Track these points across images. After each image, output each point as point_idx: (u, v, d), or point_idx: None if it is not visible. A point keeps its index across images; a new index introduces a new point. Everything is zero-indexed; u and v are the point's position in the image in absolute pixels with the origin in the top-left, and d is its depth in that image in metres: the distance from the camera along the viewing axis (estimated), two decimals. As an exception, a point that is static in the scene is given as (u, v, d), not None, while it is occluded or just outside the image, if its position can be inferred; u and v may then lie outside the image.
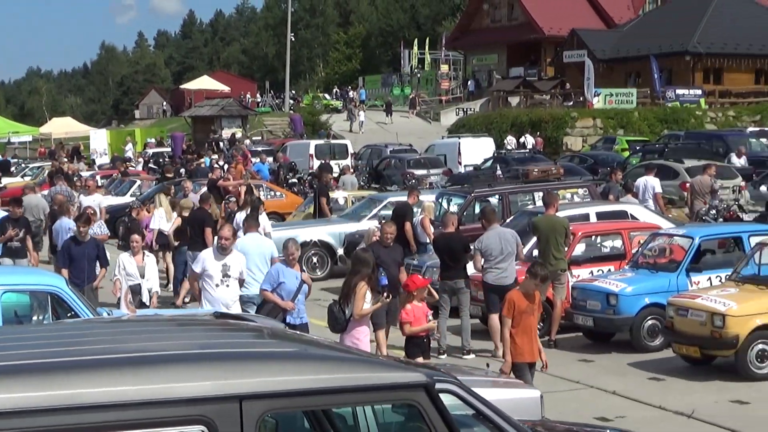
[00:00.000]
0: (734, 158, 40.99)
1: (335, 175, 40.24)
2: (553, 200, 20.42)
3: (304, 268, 17.10)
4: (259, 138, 72.02)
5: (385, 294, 14.99)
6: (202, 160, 48.37)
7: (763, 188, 34.80)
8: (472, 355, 18.70)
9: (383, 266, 17.34)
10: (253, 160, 45.85)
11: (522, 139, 58.31)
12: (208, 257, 16.70)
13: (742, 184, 36.53)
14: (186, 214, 24.38)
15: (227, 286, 16.50)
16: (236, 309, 16.21)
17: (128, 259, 18.85)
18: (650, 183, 29.72)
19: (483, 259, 18.79)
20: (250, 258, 17.85)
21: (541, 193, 25.71)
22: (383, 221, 18.88)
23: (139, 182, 41.26)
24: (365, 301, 14.62)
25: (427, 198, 26.99)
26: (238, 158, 43.62)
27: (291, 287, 16.05)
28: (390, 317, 17.15)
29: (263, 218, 24.27)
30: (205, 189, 30.38)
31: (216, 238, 17.98)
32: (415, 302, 14.96)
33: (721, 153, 45.17)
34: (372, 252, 17.17)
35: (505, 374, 13.47)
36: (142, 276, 18.62)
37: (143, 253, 19.12)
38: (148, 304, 18.28)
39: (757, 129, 57.03)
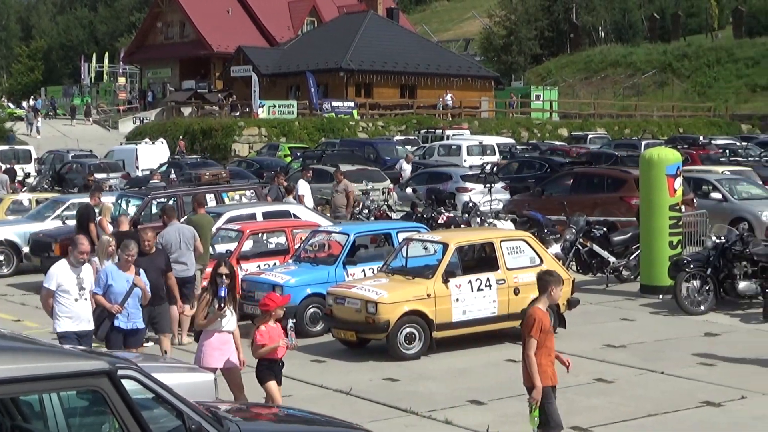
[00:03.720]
0: (404, 163, 41.87)
1: (19, 178, 39.40)
2: (205, 201, 20.56)
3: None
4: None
5: (218, 305, 12.92)
6: None
7: (408, 190, 35.73)
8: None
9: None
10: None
11: (156, 142, 56.85)
12: (62, 271, 13.76)
13: (391, 186, 37.47)
14: None
15: (85, 299, 13.86)
16: (92, 325, 14.09)
17: None
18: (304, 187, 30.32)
19: (165, 253, 18.63)
20: None
21: (212, 195, 25.85)
22: (147, 231, 17.64)
23: None
24: (206, 312, 13.07)
25: (108, 200, 26.52)
26: None
27: (119, 290, 14.38)
28: (159, 325, 16.21)
29: None
30: None
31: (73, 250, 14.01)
32: (270, 323, 12.78)
33: (372, 159, 46.18)
34: None
35: (536, 401, 11.25)
36: None
37: None
38: None
39: (403, 137, 58.67)
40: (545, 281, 11.58)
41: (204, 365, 12.82)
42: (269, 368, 12.74)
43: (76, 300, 13.69)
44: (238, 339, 13.28)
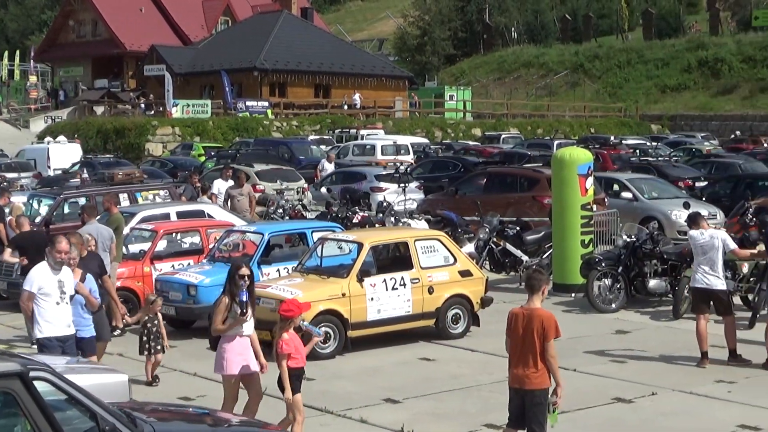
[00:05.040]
0: (325, 163, 41.78)
1: None
2: (116, 201, 20.65)
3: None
4: None
5: (240, 310, 12.29)
6: None
7: (323, 190, 35.72)
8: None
9: None
10: None
11: (57, 139, 55.55)
12: (42, 274, 12.95)
13: (305, 186, 37.41)
14: None
15: (66, 303, 13.02)
16: (73, 329, 13.27)
17: None
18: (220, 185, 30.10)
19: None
20: None
21: (126, 194, 25.70)
22: (72, 236, 16.91)
23: None
24: (225, 316, 12.45)
25: (19, 199, 26.21)
26: None
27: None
28: (103, 332, 15.23)
29: None
30: None
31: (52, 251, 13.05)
32: (290, 330, 12.26)
33: (286, 158, 46.06)
34: None
35: (560, 401, 11.00)
36: None
37: None
38: None
39: (317, 137, 58.62)
40: (538, 280, 11.23)
41: (227, 373, 12.45)
42: (297, 378, 12.24)
43: (57, 303, 12.92)
44: (257, 343, 12.77)
